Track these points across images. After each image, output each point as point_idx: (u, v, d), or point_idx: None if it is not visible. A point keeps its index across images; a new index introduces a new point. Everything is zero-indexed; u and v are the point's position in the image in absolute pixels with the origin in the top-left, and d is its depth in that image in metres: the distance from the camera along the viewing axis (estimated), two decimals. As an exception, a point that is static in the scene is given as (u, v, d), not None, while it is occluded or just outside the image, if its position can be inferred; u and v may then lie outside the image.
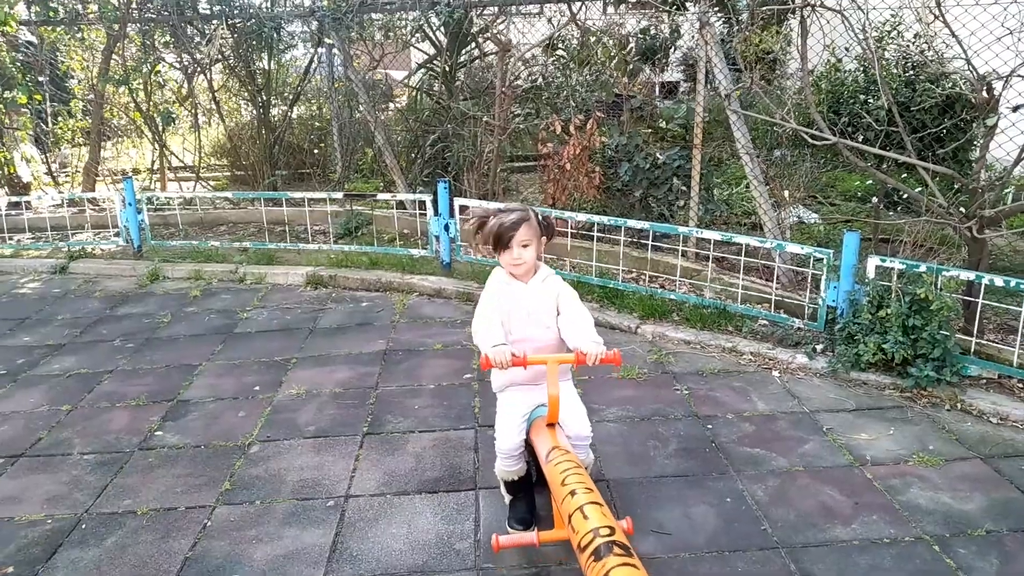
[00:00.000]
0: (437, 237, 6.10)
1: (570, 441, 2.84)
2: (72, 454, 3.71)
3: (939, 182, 5.67)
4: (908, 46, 6.33)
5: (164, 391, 4.37)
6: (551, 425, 2.81)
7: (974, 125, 6.04)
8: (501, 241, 2.81)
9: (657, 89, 10.23)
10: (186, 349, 5.00)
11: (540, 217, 2.88)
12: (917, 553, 2.85)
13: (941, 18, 4.06)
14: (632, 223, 5.20)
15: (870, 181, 8.44)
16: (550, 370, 2.70)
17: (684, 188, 5.79)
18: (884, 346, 4.12)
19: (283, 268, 6.52)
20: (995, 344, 4.23)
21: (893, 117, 5.13)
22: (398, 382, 4.40)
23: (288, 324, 5.42)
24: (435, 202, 5.99)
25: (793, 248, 4.79)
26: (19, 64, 8.72)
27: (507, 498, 3.11)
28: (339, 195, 6.90)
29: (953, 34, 4.14)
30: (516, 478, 3.00)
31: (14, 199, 8.08)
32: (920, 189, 5.14)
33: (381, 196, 6.97)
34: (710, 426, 3.83)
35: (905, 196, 7.40)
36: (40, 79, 9.47)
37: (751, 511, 3.13)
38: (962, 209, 4.22)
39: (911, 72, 6.28)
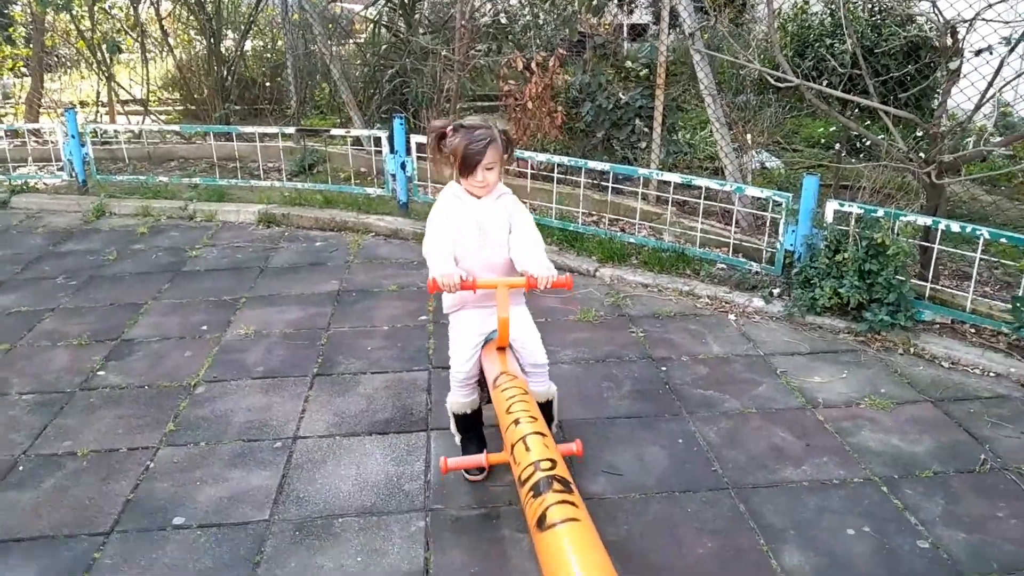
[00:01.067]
0: (393, 175, 5.94)
1: (526, 371, 2.79)
2: (10, 394, 3.58)
3: (901, 128, 5.67)
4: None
5: (107, 330, 4.23)
6: (502, 349, 2.74)
7: (937, 71, 6.00)
8: (467, 163, 2.63)
9: (625, 31, 10.04)
10: (131, 287, 4.83)
11: (503, 134, 2.69)
12: (865, 494, 2.88)
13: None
14: (593, 164, 5.11)
15: (834, 128, 8.42)
16: (500, 294, 2.60)
17: (647, 130, 5.70)
18: (840, 290, 4.13)
19: (234, 205, 6.32)
20: (949, 290, 4.26)
21: (858, 61, 5.08)
22: (351, 323, 4.30)
23: (238, 263, 5.27)
24: (391, 139, 5.81)
25: (753, 191, 4.75)
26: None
27: (457, 438, 3.05)
28: (291, 130, 6.67)
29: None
30: (468, 411, 2.93)
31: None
32: (883, 136, 5.11)
33: (335, 132, 6.75)
34: (664, 368, 3.82)
35: (868, 143, 7.42)
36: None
37: (703, 452, 3.13)
38: (922, 155, 4.19)
39: (877, 16, 6.20)
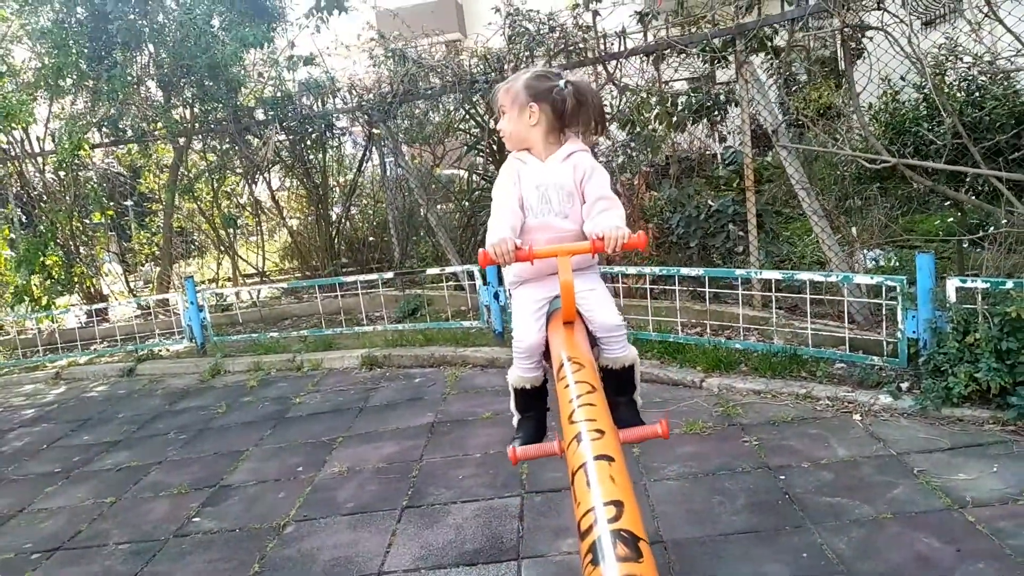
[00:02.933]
0: (487, 307, 5.93)
1: (599, 338, 2.42)
2: (108, 544, 3.59)
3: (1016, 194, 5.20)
4: (969, 67, 5.98)
5: (208, 478, 4.25)
6: (568, 324, 2.35)
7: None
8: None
9: (717, 141, 10.00)
10: (236, 437, 4.90)
11: (536, 82, 2.41)
12: (1038, 604, 2.37)
13: (994, 17, 3.76)
14: (686, 271, 4.91)
15: (950, 219, 7.90)
16: (561, 260, 2.22)
17: (741, 234, 5.49)
18: (977, 375, 3.66)
19: (339, 352, 6.45)
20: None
21: (960, 139, 4.78)
22: (443, 453, 4.15)
23: (339, 405, 5.28)
24: (483, 273, 5.85)
25: (861, 279, 4.39)
26: (97, 186, 9.21)
27: (515, 417, 2.67)
28: (390, 275, 6.86)
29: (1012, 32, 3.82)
30: (528, 386, 2.57)
31: (89, 307, 8.39)
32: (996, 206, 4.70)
33: (430, 271, 6.90)
34: (783, 477, 3.42)
35: (991, 229, 6.88)
36: (123, 201, 10.02)
37: (832, 566, 2.71)
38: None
39: (976, 93, 5.90)
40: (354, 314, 7.50)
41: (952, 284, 3.88)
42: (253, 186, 9.24)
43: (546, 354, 2.53)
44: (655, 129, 6.15)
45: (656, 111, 6.13)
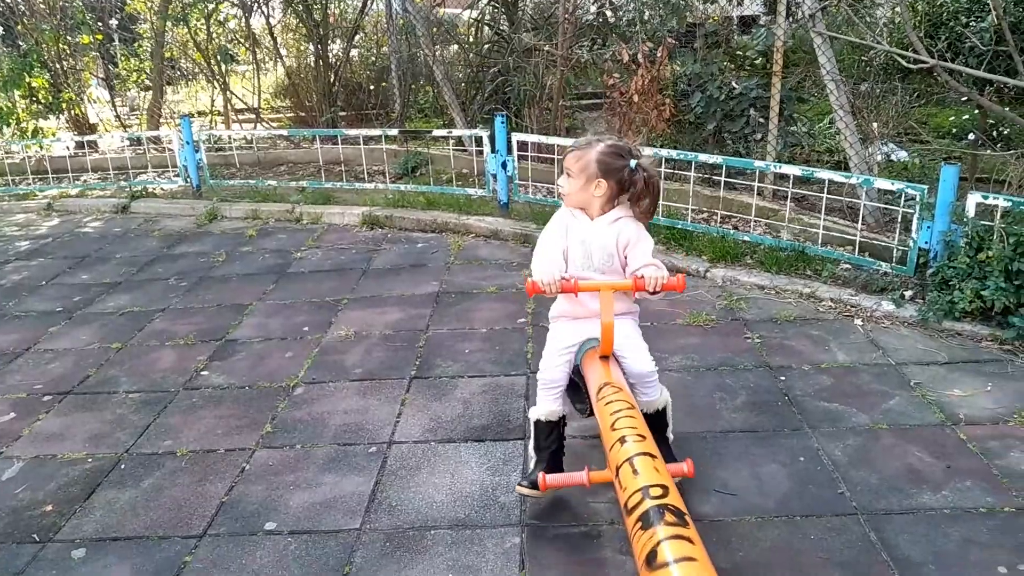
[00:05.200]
0: (494, 175, 5.82)
1: (632, 383, 2.57)
2: (118, 392, 3.66)
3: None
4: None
5: (213, 330, 4.28)
6: (604, 358, 2.54)
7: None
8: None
9: (735, 21, 9.60)
10: (238, 289, 4.91)
11: (610, 159, 2.52)
12: (1019, 525, 2.51)
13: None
14: (704, 157, 4.81)
15: (966, 116, 7.75)
16: (603, 297, 2.43)
17: (762, 120, 5.35)
18: (983, 293, 3.70)
19: (339, 208, 6.37)
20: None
21: (1001, 37, 4.58)
22: (449, 325, 4.20)
23: (342, 264, 5.27)
24: (492, 138, 5.70)
25: (883, 183, 4.34)
26: (84, 4, 8.69)
27: (532, 459, 2.80)
28: (395, 132, 6.67)
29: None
30: (547, 418, 2.73)
31: (79, 139, 8.14)
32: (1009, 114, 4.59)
33: (436, 133, 6.71)
34: (783, 378, 3.51)
35: (1007, 131, 6.77)
36: (109, 21, 9.50)
37: (827, 472, 2.83)
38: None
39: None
40: (352, 165, 7.36)
41: (973, 199, 3.85)
42: (249, 17, 8.77)
43: (572, 387, 2.76)
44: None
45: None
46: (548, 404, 2.73)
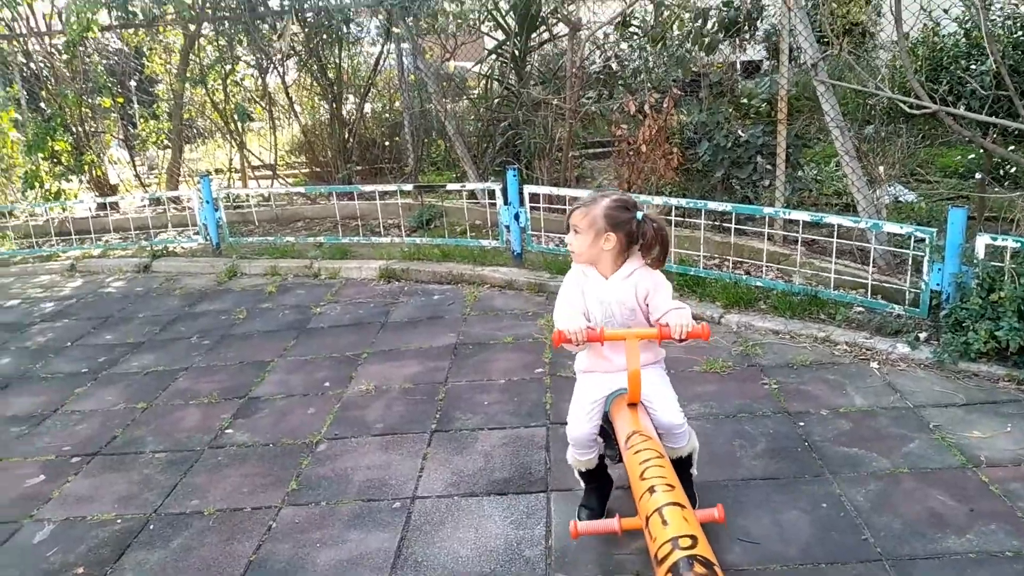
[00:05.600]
0: (507, 227, 5.93)
1: (660, 434, 2.62)
2: (145, 452, 3.72)
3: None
4: (1017, 3, 5.78)
5: (236, 388, 4.35)
6: (632, 405, 2.59)
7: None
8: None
9: (738, 68, 9.78)
10: (259, 345, 4.99)
11: (616, 212, 2.58)
12: (1045, 569, 2.52)
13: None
14: (713, 205, 4.90)
15: (972, 156, 7.83)
16: (629, 345, 2.49)
17: (769, 167, 5.44)
18: (997, 333, 3.73)
19: (356, 262, 6.48)
20: None
21: (1000, 82, 4.68)
22: (468, 377, 4.25)
23: (360, 319, 5.36)
24: (504, 191, 5.82)
25: (891, 228, 4.40)
26: (105, 69, 8.98)
27: (582, 483, 2.93)
28: (409, 187, 6.81)
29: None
30: (584, 469, 2.81)
31: (101, 200, 8.34)
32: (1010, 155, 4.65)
33: (450, 186, 6.86)
34: (802, 423, 3.53)
35: (1013, 170, 6.83)
36: (128, 83, 9.78)
37: (850, 518, 2.84)
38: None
39: (1020, 32, 5.74)
40: (368, 219, 7.50)
41: (982, 241, 3.90)
42: (265, 77, 9.02)
43: (602, 433, 2.79)
44: (688, 49, 6.00)
45: (688, 29, 5.97)
46: (581, 457, 2.80)
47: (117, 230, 8.13)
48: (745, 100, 5.84)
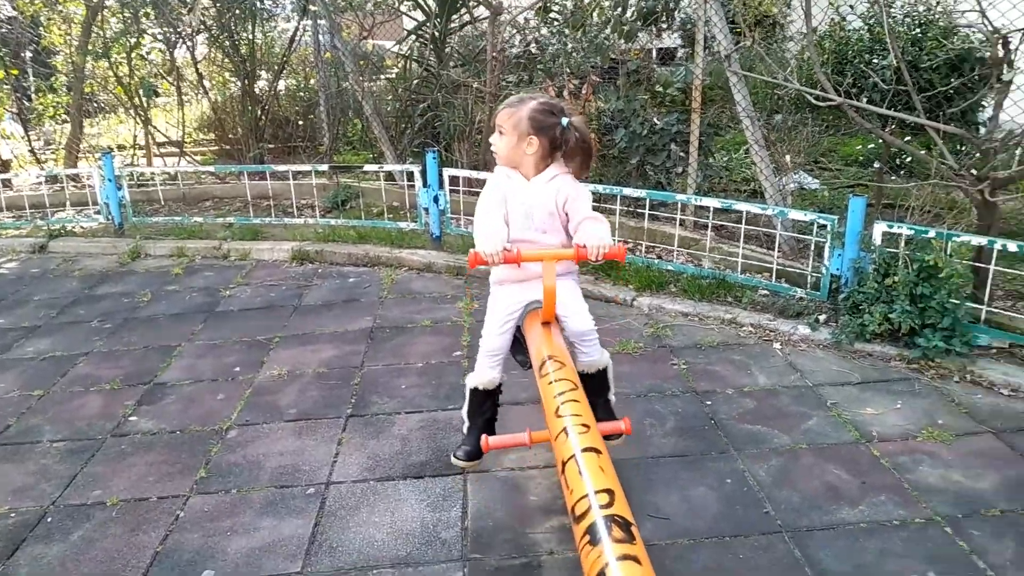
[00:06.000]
0: (426, 209, 5.89)
1: (572, 343, 2.66)
2: (41, 441, 3.54)
3: (946, 143, 5.44)
4: (915, 2, 6.08)
5: (140, 373, 4.19)
6: (547, 324, 2.61)
7: (984, 84, 5.82)
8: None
9: (654, 55, 9.94)
10: (165, 329, 4.82)
11: (541, 116, 2.55)
12: (929, 536, 2.69)
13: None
14: (629, 191, 4.99)
15: (872, 145, 8.22)
16: (546, 265, 2.50)
17: (683, 154, 5.57)
18: (891, 316, 3.94)
19: (268, 243, 6.32)
20: (1006, 312, 4.04)
21: (900, 77, 4.92)
22: (385, 361, 4.22)
23: (272, 301, 5.24)
24: (424, 173, 5.77)
25: (796, 215, 4.58)
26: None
27: (464, 424, 2.96)
28: (324, 167, 6.67)
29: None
30: (486, 387, 2.84)
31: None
32: (924, 151, 4.92)
33: (367, 168, 6.75)
34: (709, 402, 3.66)
35: (908, 160, 7.21)
36: (23, 54, 9.22)
37: (753, 493, 2.96)
38: (973, 171, 4.00)
39: (918, 30, 6.03)
40: (280, 199, 7.32)
41: (879, 228, 4.11)
42: (173, 52, 8.65)
43: (524, 348, 2.78)
44: (607, 37, 6.06)
45: (608, 16, 6.03)
46: (488, 372, 2.81)
47: (10, 208, 7.68)
48: (661, 88, 5.94)
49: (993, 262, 3.84)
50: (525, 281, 2.76)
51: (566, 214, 2.67)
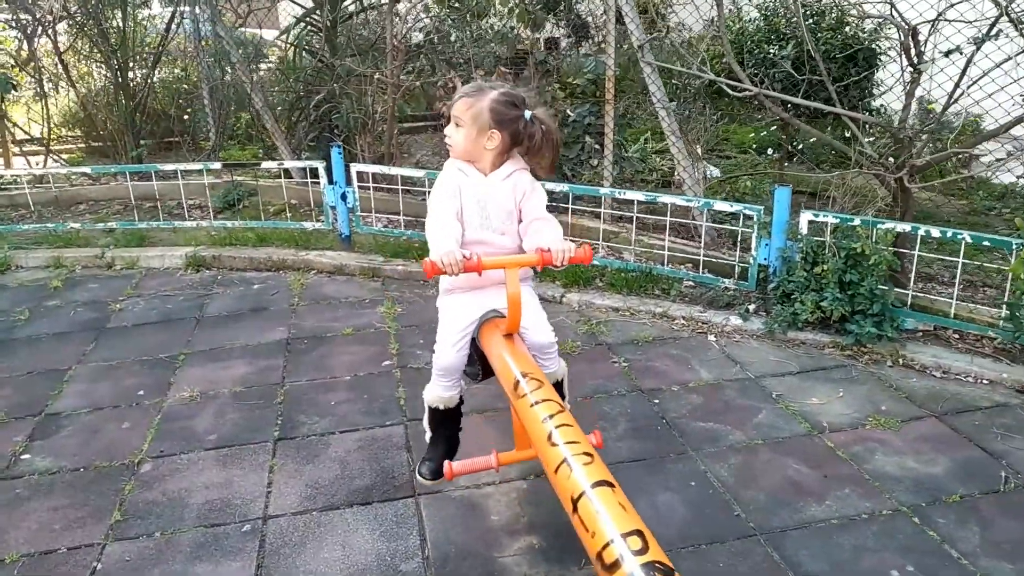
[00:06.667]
0: (333, 208, 5.55)
1: (534, 354, 2.49)
2: (-87, 493, 3.05)
3: (843, 130, 5.61)
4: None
5: (28, 403, 3.70)
6: (510, 336, 2.42)
7: (875, 73, 6.06)
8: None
9: (542, 45, 9.85)
10: (51, 351, 4.30)
11: (503, 108, 2.39)
12: (899, 528, 2.69)
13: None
14: (551, 186, 4.85)
15: (764, 133, 8.46)
16: (509, 273, 2.31)
17: (597, 146, 5.49)
18: (822, 303, 3.99)
19: (158, 250, 5.80)
20: (928, 296, 4.17)
21: (799, 67, 5.02)
22: (308, 375, 3.91)
23: (170, 314, 4.78)
24: (329, 169, 5.43)
25: (722, 206, 4.58)
26: None
27: (427, 434, 2.75)
28: (217, 165, 6.18)
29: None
30: (444, 406, 2.62)
31: None
32: (844, 142, 5.04)
33: (266, 164, 6.31)
34: (657, 400, 3.58)
35: (800, 147, 7.45)
36: None
37: (719, 494, 2.89)
38: (892, 159, 4.10)
39: (811, 20, 6.19)
40: (165, 200, 6.75)
41: (805, 217, 4.15)
42: (31, 41, 7.81)
43: (472, 358, 2.62)
44: (512, 26, 5.89)
45: (511, 5, 5.87)
46: (446, 392, 2.62)
47: None
48: (571, 79, 5.84)
49: (918, 248, 3.95)
50: (480, 289, 2.58)
51: (520, 210, 2.53)
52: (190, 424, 3.48)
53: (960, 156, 5.40)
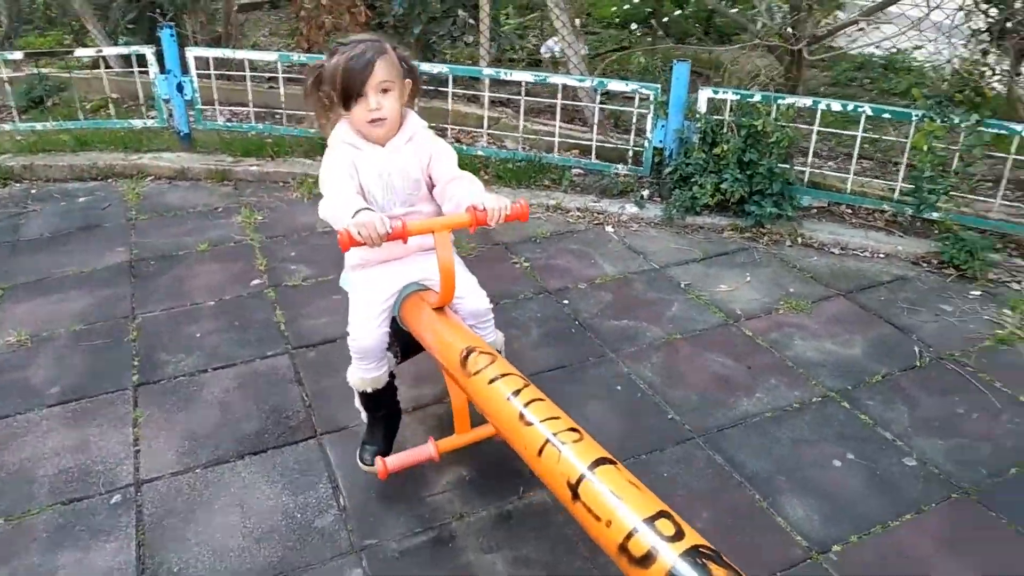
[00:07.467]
0: (167, 101, 4.75)
1: (471, 323, 2.20)
2: None
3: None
4: None
5: None
6: (440, 309, 2.11)
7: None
8: (352, 88, 1.99)
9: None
10: None
11: (399, 52, 2.09)
12: (831, 415, 2.63)
13: None
14: (428, 66, 4.32)
15: (627, 6, 8.14)
16: (439, 238, 1.98)
17: (471, 21, 4.97)
18: (722, 185, 3.83)
19: (-51, 162, 4.81)
20: (822, 172, 4.11)
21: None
22: (163, 304, 3.34)
23: (-23, 240, 3.98)
24: (160, 55, 4.61)
25: (616, 85, 4.25)
26: None
27: (362, 414, 2.40)
28: (17, 55, 5.13)
29: None
30: (372, 389, 2.26)
31: None
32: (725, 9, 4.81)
33: (80, 52, 5.29)
34: (566, 301, 3.33)
35: (665, 20, 7.21)
36: None
37: (649, 399, 2.71)
38: (790, 30, 3.91)
39: None
40: (-49, 102, 5.61)
41: (704, 95, 3.91)
42: None
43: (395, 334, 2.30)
44: None
45: None
46: (369, 374, 2.24)
47: None
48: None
49: (817, 123, 3.81)
50: (397, 260, 2.22)
51: (430, 176, 2.19)
52: (24, 376, 2.87)
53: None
